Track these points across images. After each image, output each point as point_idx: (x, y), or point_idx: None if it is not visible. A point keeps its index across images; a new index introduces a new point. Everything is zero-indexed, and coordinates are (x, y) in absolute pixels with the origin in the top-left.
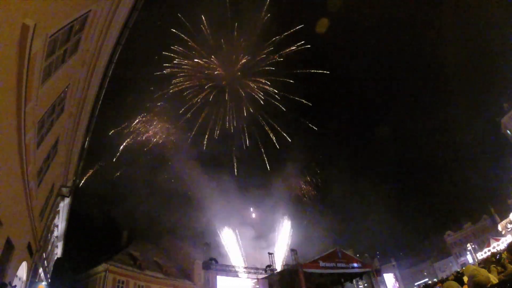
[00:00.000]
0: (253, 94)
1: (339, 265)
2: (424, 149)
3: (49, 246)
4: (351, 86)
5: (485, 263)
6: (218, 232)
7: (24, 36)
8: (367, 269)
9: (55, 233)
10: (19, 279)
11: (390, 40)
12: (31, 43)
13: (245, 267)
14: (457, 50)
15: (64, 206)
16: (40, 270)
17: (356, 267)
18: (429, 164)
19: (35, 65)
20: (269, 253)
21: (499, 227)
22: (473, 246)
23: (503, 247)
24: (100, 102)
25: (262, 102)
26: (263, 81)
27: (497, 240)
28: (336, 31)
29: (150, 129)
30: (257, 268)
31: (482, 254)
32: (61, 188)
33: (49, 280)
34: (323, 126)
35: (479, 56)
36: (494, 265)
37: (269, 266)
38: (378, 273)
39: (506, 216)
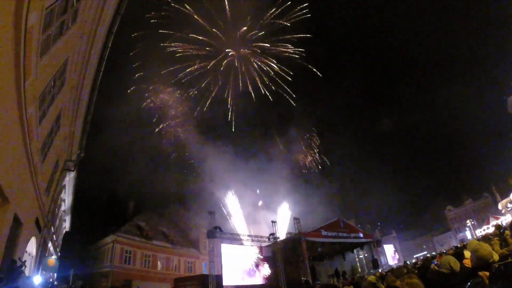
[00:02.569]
0: (257, 61)
1: (341, 234)
2: (429, 124)
3: (57, 221)
4: (362, 56)
5: (486, 240)
6: (222, 200)
7: (19, 9)
8: (368, 240)
9: (63, 207)
10: (29, 254)
11: (403, 15)
12: (27, 16)
13: (249, 235)
14: (466, 29)
15: (69, 180)
16: (50, 244)
17: (357, 237)
18: (433, 139)
19: (32, 39)
20: (272, 222)
21: (499, 206)
22: (472, 222)
23: (505, 225)
24: (101, 74)
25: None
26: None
27: (497, 218)
28: None
29: (152, 98)
30: (260, 236)
31: (481, 231)
32: (66, 162)
33: (59, 254)
34: (328, 96)
35: (488, 34)
36: (497, 238)
37: (272, 234)
38: (379, 244)
39: (507, 195)
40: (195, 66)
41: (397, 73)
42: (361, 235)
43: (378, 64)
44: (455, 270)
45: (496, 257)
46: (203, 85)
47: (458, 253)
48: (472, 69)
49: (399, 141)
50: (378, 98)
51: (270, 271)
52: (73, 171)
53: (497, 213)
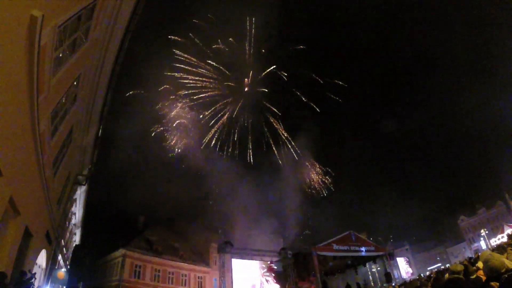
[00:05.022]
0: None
1: (352, 248)
2: (440, 132)
3: (67, 234)
4: (367, 60)
5: (500, 249)
6: (233, 215)
7: (33, 27)
8: (380, 253)
9: (73, 221)
10: (39, 266)
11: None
12: (40, 34)
13: (259, 250)
14: (479, 27)
15: (80, 193)
16: (59, 257)
17: (369, 251)
18: (445, 148)
19: (45, 56)
20: (283, 236)
21: None
22: (486, 232)
23: None
24: (112, 90)
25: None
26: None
27: (511, 226)
28: None
29: (163, 114)
30: (271, 251)
31: (495, 240)
32: (77, 176)
33: (68, 267)
34: (337, 106)
35: (501, 33)
36: (511, 247)
37: (283, 249)
38: (392, 256)
39: None
40: (208, 91)
41: (405, 80)
42: (373, 248)
43: (384, 70)
44: (459, 271)
45: (510, 265)
46: (215, 105)
47: (471, 264)
48: (483, 72)
49: (410, 151)
50: (387, 107)
51: (280, 286)
52: (84, 185)
53: (511, 221)
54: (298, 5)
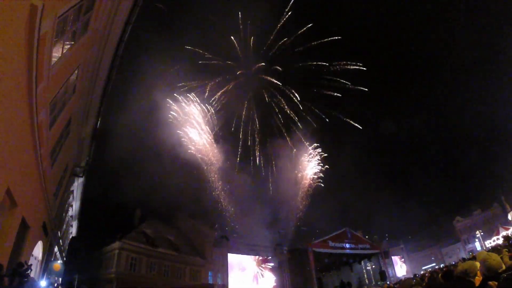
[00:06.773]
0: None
1: (348, 245)
2: (437, 133)
3: (64, 226)
4: (365, 56)
5: (495, 251)
6: (229, 210)
7: (33, 16)
8: (375, 251)
9: (70, 213)
10: (35, 258)
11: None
12: (40, 23)
13: (255, 245)
14: (479, 25)
15: (77, 185)
16: (56, 249)
17: (365, 248)
18: (442, 148)
19: (44, 46)
20: (279, 232)
21: (509, 216)
22: (481, 233)
23: None
24: (111, 82)
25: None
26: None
27: (507, 229)
28: None
29: (161, 108)
30: (267, 247)
31: (490, 242)
32: (74, 168)
33: (65, 259)
34: (335, 105)
35: (501, 31)
36: (506, 249)
37: (279, 244)
38: (387, 255)
39: None
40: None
41: (405, 80)
42: (369, 246)
43: (385, 69)
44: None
45: (504, 267)
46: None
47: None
48: (482, 74)
49: (407, 151)
50: (385, 106)
51: (276, 282)
52: (82, 177)
53: (507, 224)
54: (298, 4)
